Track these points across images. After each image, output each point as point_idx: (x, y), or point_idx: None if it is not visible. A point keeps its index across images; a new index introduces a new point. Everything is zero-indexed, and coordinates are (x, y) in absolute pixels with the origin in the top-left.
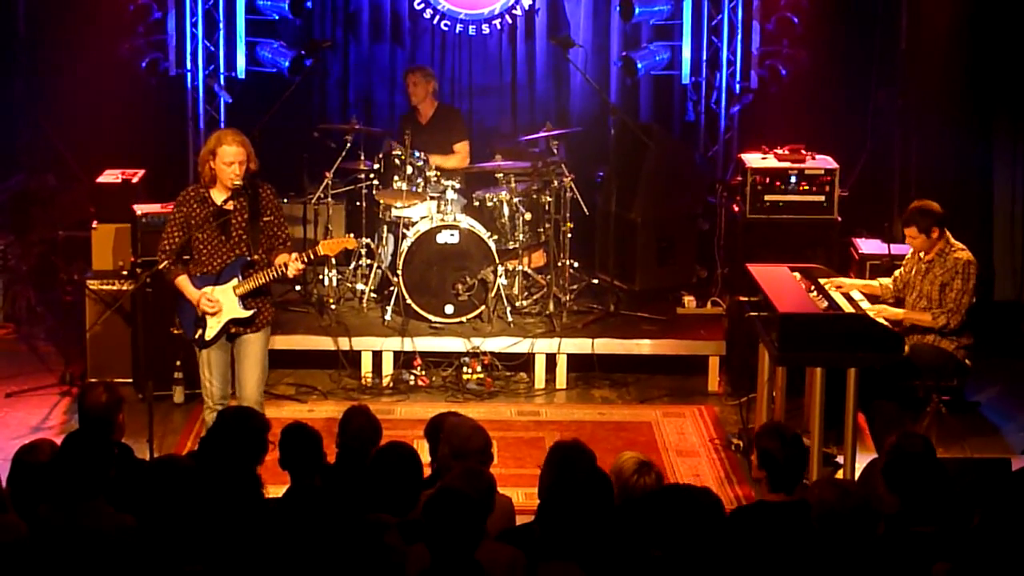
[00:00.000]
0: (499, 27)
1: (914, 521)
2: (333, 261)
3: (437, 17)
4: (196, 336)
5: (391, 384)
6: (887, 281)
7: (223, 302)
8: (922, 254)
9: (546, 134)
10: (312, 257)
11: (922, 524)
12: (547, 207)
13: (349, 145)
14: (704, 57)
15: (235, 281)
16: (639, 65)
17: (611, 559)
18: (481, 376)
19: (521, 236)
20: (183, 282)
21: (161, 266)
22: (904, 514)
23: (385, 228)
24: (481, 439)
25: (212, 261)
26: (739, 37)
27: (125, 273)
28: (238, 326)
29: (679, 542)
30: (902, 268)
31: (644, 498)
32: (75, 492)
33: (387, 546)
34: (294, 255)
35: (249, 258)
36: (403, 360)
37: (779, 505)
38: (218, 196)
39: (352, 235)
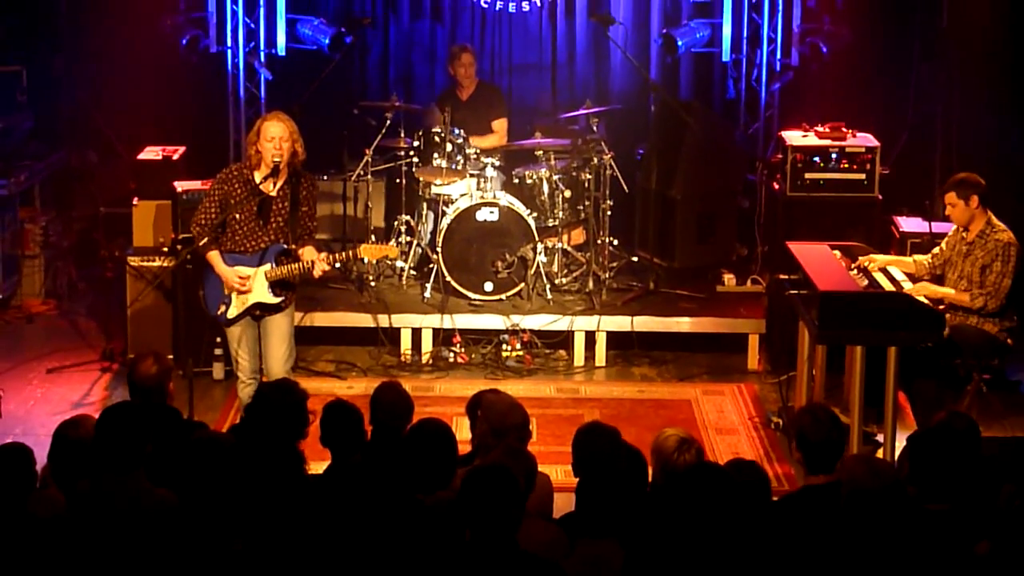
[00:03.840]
0: (539, 4)
1: (929, 498)
2: (373, 239)
3: None
4: (219, 313)
5: (430, 361)
6: (923, 258)
7: (254, 284)
8: (965, 233)
9: (586, 111)
10: (350, 258)
11: (937, 502)
12: (587, 184)
13: (389, 122)
14: (745, 34)
15: (268, 266)
16: (679, 42)
17: (651, 535)
18: (520, 353)
19: (561, 213)
20: (215, 257)
21: (201, 243)
22: (920, 491)
23: (425, 205)
24: (519, 416)
25: (246, 242)
26: (780, 14)
27: (166, 250)
28: (262, 310)
29: (724, 518)
30: (941, 246)
31: (688, 473)
32: (113, 466)
33: (436, 526)
34: (324, 254)
35: (286, 246)
36: (442, 337)
37: (820, 488)
38: (260, 178)
39: (394, 244)
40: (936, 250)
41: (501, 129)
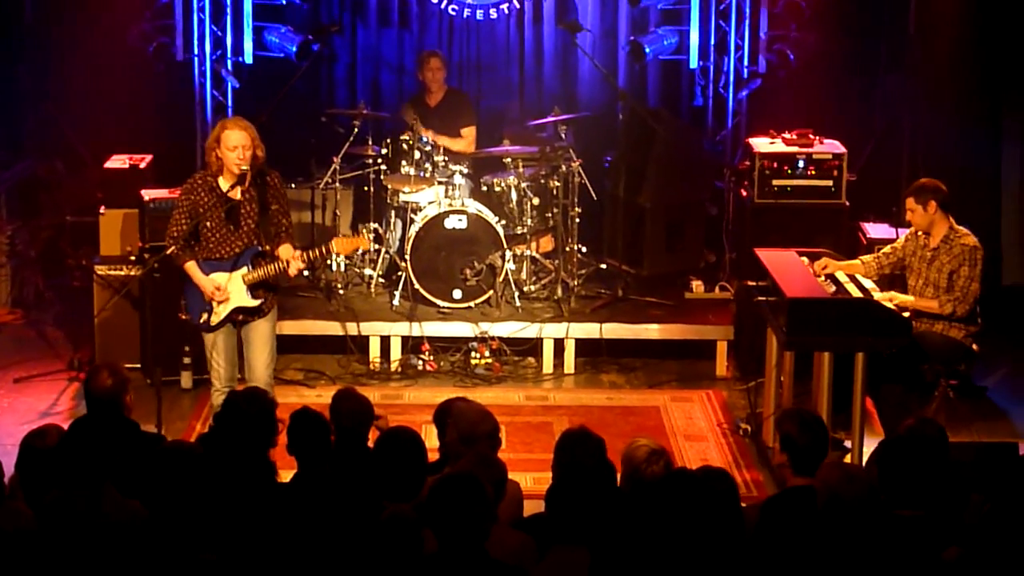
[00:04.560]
0: (507, 11)
1: (898, 504)
2: None
3: (444, 1)
4: (201, 320)
5: (399, 369)
6: (868, 257)
7: (232, 290)
8: (927, 240)
9: (554, 119)
10: (323, 254)
11: (907, 508)
12: (555, 192)
13: (357, 130)
14: (712, 42)
15: (244, 270)
16: (647, 50)
17: (620, 543)
18: (489, 361)
19: (529, 221)
20: (192, 267)
21: (169, 251)
22: (889, 497)
23: (393, 213)
24: (489, 424)
25: (220, 249)
26: (747, 21)
27: (133, 258)
28: (244, 314)
29: (692, 526)
30: (895, 245)
31: (658, 482)
32: (81, 478)
33: (405, 535)
34: (298, 252)
35: (260, 248)
36: (411, 345)
37: (802, 490)
38: (225, 184)
39: (365, 234)
40: (888, 248)
41: (470, 136)
